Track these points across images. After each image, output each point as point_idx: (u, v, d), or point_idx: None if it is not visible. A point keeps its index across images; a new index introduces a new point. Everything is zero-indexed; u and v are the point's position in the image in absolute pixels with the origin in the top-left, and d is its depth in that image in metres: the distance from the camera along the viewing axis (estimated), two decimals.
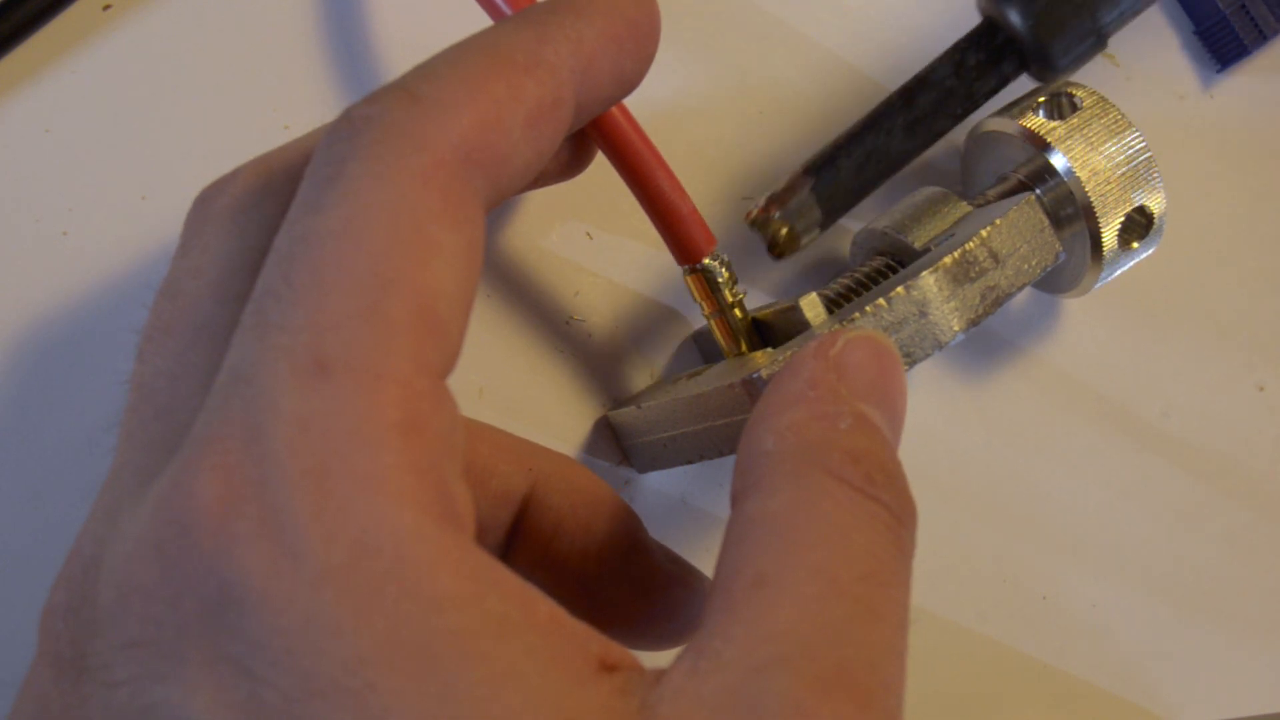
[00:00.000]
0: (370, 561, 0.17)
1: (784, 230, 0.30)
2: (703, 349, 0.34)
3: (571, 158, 0.28)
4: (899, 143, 0.30)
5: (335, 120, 0.20)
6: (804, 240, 0.30)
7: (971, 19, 0.32)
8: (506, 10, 0.27)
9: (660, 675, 0.19)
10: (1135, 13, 0.29)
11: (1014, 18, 0.28)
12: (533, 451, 0.28)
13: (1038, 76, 0.30)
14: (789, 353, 0.26)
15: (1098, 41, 0.29)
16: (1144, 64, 0.39)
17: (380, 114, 0.20)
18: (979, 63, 0.29)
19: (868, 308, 0.28)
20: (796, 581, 0.19)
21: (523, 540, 0.27)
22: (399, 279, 0.19)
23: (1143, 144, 0.33)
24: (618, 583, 0.27)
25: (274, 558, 0.17)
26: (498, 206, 0.27)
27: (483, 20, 0.27)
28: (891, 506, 0.21)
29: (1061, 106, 0.33)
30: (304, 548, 0.17)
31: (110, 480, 0.21)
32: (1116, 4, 0.28)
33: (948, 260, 0.28)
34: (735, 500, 0.22)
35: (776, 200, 0.30)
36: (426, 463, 0.18)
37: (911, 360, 0.28)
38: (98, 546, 0.19)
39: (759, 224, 0.30)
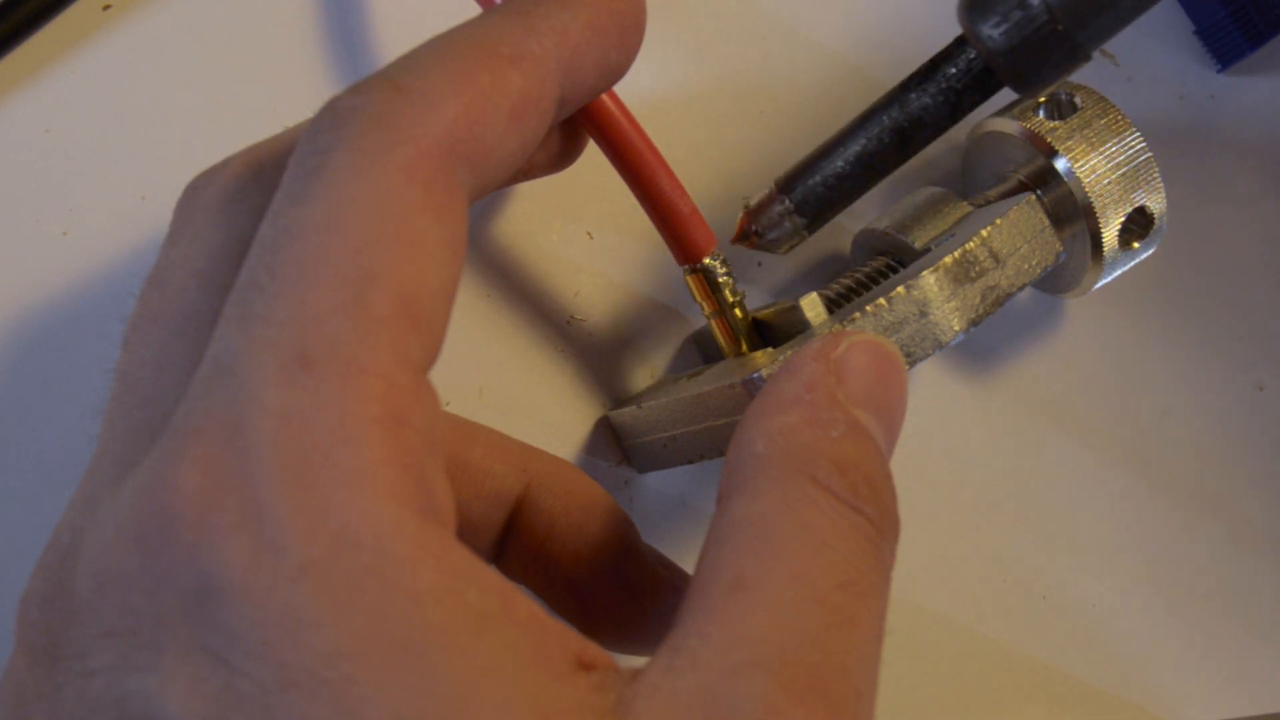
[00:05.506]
0: (350, 555, 0.17)
1: (766, 245, 0.30)
2: (703, 349, 0.34)
3: (561, 149, 0.28)
4: (878, 156, 0.30)
5: (319, 111, 0.20)
6: (787, 246, 0.31)
7: None
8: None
9: (636, 674, 0.19)
10: (1117, 29, 0.28)
11: (986, 38, 0.28)
12: (528, 453, 0.28)
13: (1016, 91, 0.30)
14: (789, 353, 0.26)
15: (1076, 57, 0.28)
16: (1144, 64, 0.39)
17: (364, 105, 0.20)
18: (957, 81, 0.29)
19: (868, 307, 0.28)
20: (775, 586, 0.20)
21: (516, 541, 0.27)
22: (382, 272, 0.19)
23: (1142, 144, 0.33)
24: (609, 586, 0.27)
25: (254, 550, 0.17)
26: (483, 198, 0.27)
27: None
28: (874, 519, 0.21)
29: (1061, 106, 0.33)
30: (284, 541, 0.17)
31: (90, 469, 0.20)
32: (1091, 24, 0.27)
33: (948, 260, 0.28)
34: (721, 499, 0.22)
35: (753, 218, 0.30)
36: (408, 457, 0.18)
37: (912, 360, 0.28)
38: (75, 536, 0.19)
39: (743, 239, 0.31)
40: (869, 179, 0.30)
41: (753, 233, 0.30)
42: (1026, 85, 0.28)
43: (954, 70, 0.29)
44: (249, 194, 0.22)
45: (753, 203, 0.30)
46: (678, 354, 0.34)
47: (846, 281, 0.31)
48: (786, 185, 0.30)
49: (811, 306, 0.29)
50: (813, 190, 0.29)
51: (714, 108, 0.34)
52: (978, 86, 0.29)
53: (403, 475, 0.18)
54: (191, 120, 0.30)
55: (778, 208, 0.30)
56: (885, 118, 0.29)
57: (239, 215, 0.21)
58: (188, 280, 0.21)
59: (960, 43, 0.29)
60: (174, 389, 0.20)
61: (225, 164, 0.23)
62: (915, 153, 0.29)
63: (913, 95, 0.29)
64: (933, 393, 0.37)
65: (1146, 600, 0.39)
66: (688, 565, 0.29)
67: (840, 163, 0.29)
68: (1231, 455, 0.40)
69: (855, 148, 0.29)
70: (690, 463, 0.30)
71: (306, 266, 0.19)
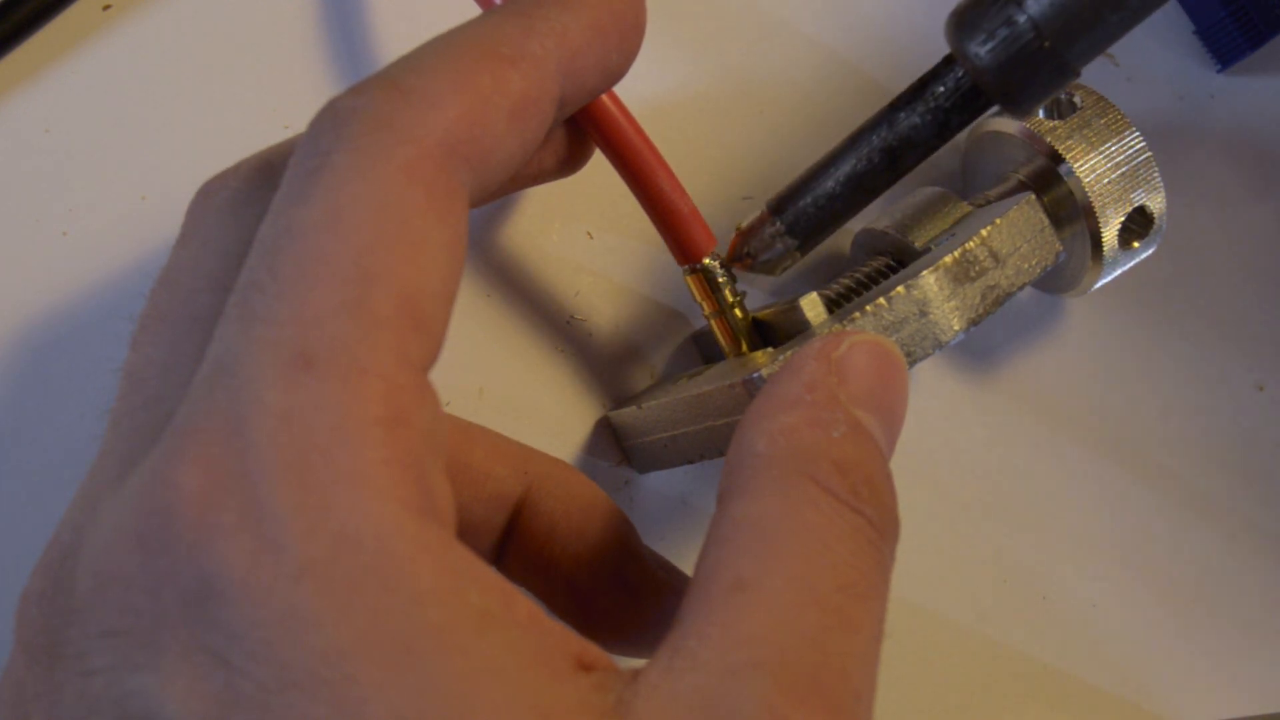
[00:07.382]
0: (351, 555, 0.17)
1: (760, 267, 0.30)
2: (703, 349, 0.34)
3: (569, 154, 0.28)
4: (868, 176, 0.29)
5: (319, 111, 0.20)
6: (781, 268, 0.30)
7: None
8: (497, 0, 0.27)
9: (636, 674, 0.19)
10: (1105, 45, 0.28)
11: (974, 56, 0.27)
12: (528, 455, 0.28)
13: (1006, 109, 0.30)
14: (789, 353, 0.26)
15: (1065, 74, 0.27)
16: (1144, 64, 0.39)
17: (365, 105, 0.20)
18: (945, 100, 0.28)
19: (868, 307, 0.28)
20: (775, 588, 0.20)
21: (516, 543, 0.27)
22: (383, 273, 0.19)
23: (1142, 144, 0.33)
24: (609, 588, 0.27)
25: (255, 550, 0.17)
26: (486, 203, 0.27)
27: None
28: (874, 521, 0.21)
29: (1061, 106, 0.33)
30: (285, 540, 0.17)
31: (94, 468, 0.21)
32: (1079, 41, 0.27)
33: (948, 259, 0.28)
34: (721, 499, 0.22)
35: (745, 240, 0.30)
36: (408, 457, 0.18)
37: (912, 360, 0.28)
38: (76, 534, 0.19)
39: (737, 261, 0.30)
40: (860, 199, 0.30)
41: (745, 255, 0.30)
42: (1015, 103, 0.28)
43: (942, 89, 0.28)
44: (259, 197, 0.22)
45: (744, 225, 0.30)
46: (678, 354, 0.34)
47: (846, 281, 0.31)
48: (778, 207, 0.30)
49: (811, 306, 0.29)
50: (804, 211, 0.30)
51: (714, 108, 0.34)
52: (966, 105, 0.28)
53: (403, 475, 0.18)
54: (191, 120, 0.30)
55: (769, 230, 0.30)
56: (874, 138, 0.29)
57: (250, 218, 0.21)
58: (197, 281, 0.21)
59: (948, 61, 0.29)
60: (180, 389, 0.20)
61: (237, 167, 0.23)
62: (906, 172, 0.29)
63: (901, 115, 0.29)
64: (933, 393, 0.37)
65: (1146, 600, 0.39)
66: (687, 565, 0.29)
67: (831, 183, 0.29)
68: (1231, 455, 0.40)
69: (845, 168, 0.29)
70: (690, 463, 0.30)
71: (307, 267, 0.19)
